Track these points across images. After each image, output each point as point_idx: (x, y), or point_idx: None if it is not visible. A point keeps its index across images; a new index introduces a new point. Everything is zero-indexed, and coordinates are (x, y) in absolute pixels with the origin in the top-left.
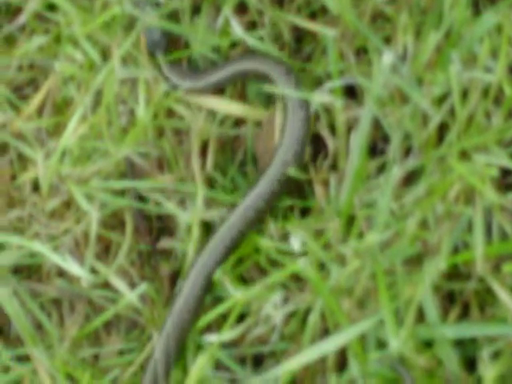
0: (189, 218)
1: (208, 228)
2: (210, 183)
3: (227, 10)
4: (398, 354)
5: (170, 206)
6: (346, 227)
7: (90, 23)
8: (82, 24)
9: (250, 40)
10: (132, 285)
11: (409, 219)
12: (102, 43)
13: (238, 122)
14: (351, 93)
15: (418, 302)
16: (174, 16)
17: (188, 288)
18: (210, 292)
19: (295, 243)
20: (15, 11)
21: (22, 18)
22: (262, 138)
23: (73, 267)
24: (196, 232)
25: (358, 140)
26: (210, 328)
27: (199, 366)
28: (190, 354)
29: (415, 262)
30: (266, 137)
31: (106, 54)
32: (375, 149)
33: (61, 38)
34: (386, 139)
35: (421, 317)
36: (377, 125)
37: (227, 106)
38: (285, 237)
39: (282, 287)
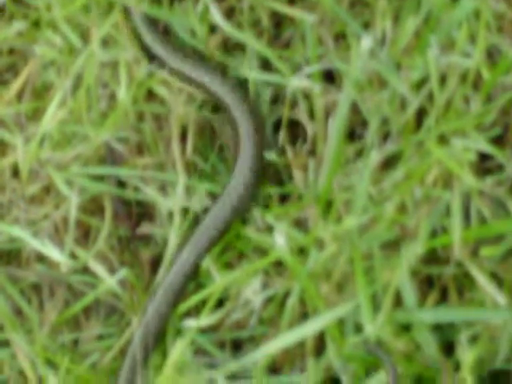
0: (170, 205)
1: (187, 213)
2: (190, 168)
3: None
4: (375, 338)
5: (151, 193)
6: (324, 212)
7: (68, 6)
8: (61, 7)
9: (228, 28)
10: (112, 270)
11: (387, 203)
12: (82, 27)
13: (217, 107)
14: (330, 78)
15: (395, 287)
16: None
17: (170, 277)
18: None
19: (279, 237)
20: None
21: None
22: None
23: (52, 252)
24: (177, 219)
25: (337, 124)
26: (189, 313)
27: (178, 350)
28: (170, 338)
29: (393, 246)
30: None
31: (85, 38)
32: (353, 134)
33: (40, 23)
34: (364, 124)
35: (399, 301)
36: (355, 110)
37: None
38: (266, 223)
39: (262, 272)
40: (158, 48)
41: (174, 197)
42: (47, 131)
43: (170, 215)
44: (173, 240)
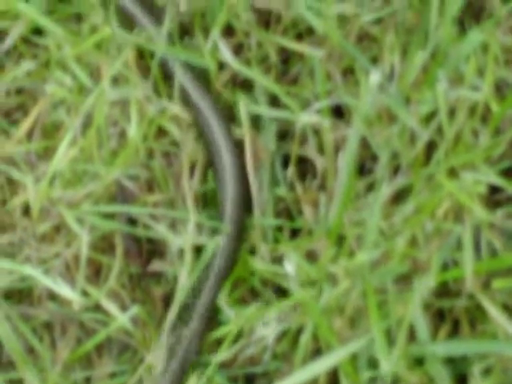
0: (180, 242)
1: (198, 251)
2: (199, 202)
3: (216, 33)
4: (391, 373)
5: (161, 230)
6: (335, 246)
7: (78, 46)
8: (71, 47)
9: (236, 64)
10: (123, 307)
11: (398, 237)
12: (92, 66)
13: None
14: (339, 113)
15: (408, 321)
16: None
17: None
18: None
19: (289, 266)
20: (1, 35)
21: (8, 42)
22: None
23: (64, 290)
24: (188, 257)
25: (346, 159)
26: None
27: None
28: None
29: (405, 279)
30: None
31: (95, 76)
32: (363, 168)
33: (49, 63)
34: (374, 158)
35: (412, 335)
36: (365, 144)
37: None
38: (276, 257)
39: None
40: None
41: (185, 234)
42: (58, 170)
43: (181, 252)
44: (184, 277)
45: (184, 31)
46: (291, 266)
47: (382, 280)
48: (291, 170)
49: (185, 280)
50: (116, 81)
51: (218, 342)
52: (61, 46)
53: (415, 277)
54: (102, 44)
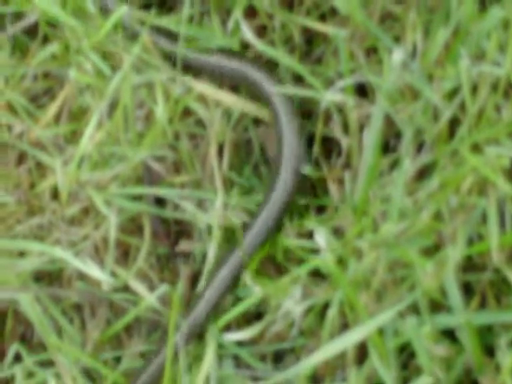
0: (208, 220)
1: (226, 229)
2: (226, 185)
3: (237, 14)
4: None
5: (189, 210)
6: (361, 223)
7: (94, 36)
8: (87, 38)
9: (260, 45)
10: (152, 288)
11: (423, 211)
12: (112, 53)
13: (252, 123)
14: (362, 92)
15: (438, 291)
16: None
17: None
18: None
19: (320, 240)
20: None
21: (28, 21)
22: (271, 138)
23: (94, 271)
24: (216, 234)
25: (371, 136)
26: (229, 327)
27: (208, 359)
28: (211, 353)
29: (431, 254)
30: (274, 138)
31: (117, 62)
32: (387, 146)
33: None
34: (397, 136)
35: (436, 307)
36: (388, 122)
37: (243, 105)
38: (302, 234)
39: (301, 283)
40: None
41: (213, 212)
42: (85, 153)
43: (208, 231)
44: (211, 255)
45: (205, 14)
46: (322, 239)
47: (408, 253)
48: (316, 149)
49: (213, 257)
50: (137, 65)
51: (247, 321)
52: (78, 37)
53: (441, 251)
54: (118, 29)
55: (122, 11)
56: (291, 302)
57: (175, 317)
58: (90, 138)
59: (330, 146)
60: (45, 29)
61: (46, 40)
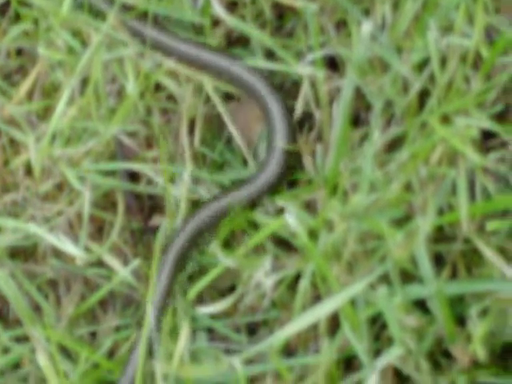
0: (178, 193)
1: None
2: (199, 160)
3: None
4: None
5: (160, 183)
6: (332, 194)
7: (60, 13)
8: (53, 15)
9: (231, 20)
10: (126, 263)
11: (393, 183)
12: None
13: (224, 97)
14: (332, 66)
15: (409, 261)
16: None
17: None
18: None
19: (290, 218)
20: None
21: None
22: (243, 111)
23: (68, 247)
24: (183, 207)
25: (341, 108)
26: (202, 301)
27: (184, 334)
28: (184, 327)
29: (400, 226)
30: (246, 111)
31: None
32: (358, 119)
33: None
34: (368, 109)
35: (407, 278)
36: (359, 95)
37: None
38: (276, 209)
39: (272, 255)
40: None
41: (181, 185)
42: (58, 129)
43: (178, 205)
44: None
45: None
46: (292, 218)
47: (378, 224)
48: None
49: None
50: (106, 42)
51: (220, 294)
52: (46, 15)
53: (411, 221)
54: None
55: None
56: (262, 273)
57: (152, 292)
58: (62, 114)
59: (302, 119)
60: (15, 6)
61: (17, 17)
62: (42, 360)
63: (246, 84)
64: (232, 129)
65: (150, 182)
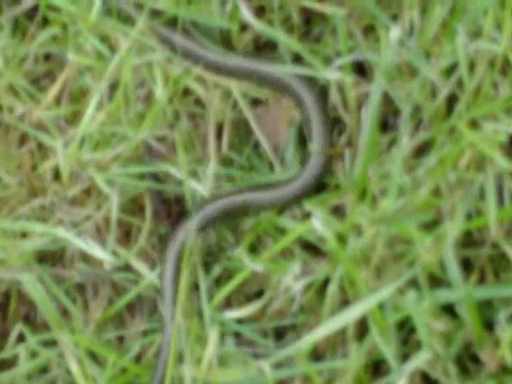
0: (204, 191)
1: None
2: (227, 164)
3: None
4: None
5: (189, 183)
6: (360, 200)
7: (89, 19)
8: (82, 20)
9: (259, 25)
10: (153, 268)
11: (422, 187)
12: (109, 36)
13: (252, 102)
14: (360, 72)
15: (437, 265)
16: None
17: None
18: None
19: (317, 223)
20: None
21: (27, 4)
22: (270, 116)
23: (96, 251)
24: None
25: (370, 113)
26: (230, 305)
27: (214, 339)
28: (211, 332)
29: (429, 230)
30: (273, 116)
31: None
32: (386, 124)
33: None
34: (396, 114)
35: (435, 283)
36: (387, 101)
37: (242, 85)
38: (303, 214)
39: (300, 260)
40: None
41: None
42: (86, 133)
43: None
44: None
45: None
46: (319, 222)
47: (407, 228)
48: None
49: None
50: (134, 47)
51: (248, 299)
52: (74, 20)
53: (440, 226)
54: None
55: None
56: (291, 277)
57: (182, 295)
58: (91, 117)
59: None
60: (44, 11)
61: (45, 22)
62: (73, 365)
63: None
64: (258, 134)
65: (177, 184)
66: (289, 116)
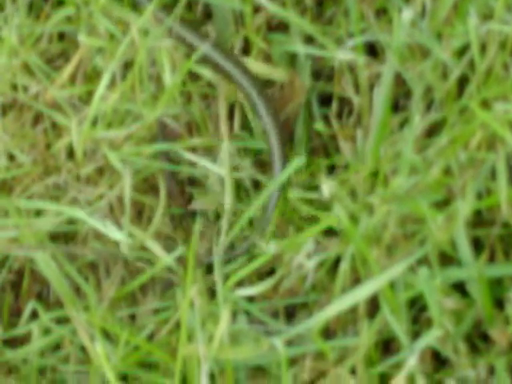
0: (220, 171)
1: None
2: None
3: None
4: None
5: (203, 161)
6: (372, 180)
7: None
8: (95, 2)
9: (272, 6)
10: (165, 246)
11: (433, 167)
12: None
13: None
14: (372, 53)
15: (449, 244)
16: None
17: None
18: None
19: (325, 190)
20: None
21: None
22: (284, 98)
23: (112, 232)
24: (228, 183)
25: (382, 92)
26: (241, 283)
27: (225, 317)
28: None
29: (440, 209)
30: (287, 97)
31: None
32: (397, 106)
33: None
34: (407, 96)
35: (445, 261)
36: (398, 82)
37: (254, 67)
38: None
39: (312, 239)
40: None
41: (222, 162)
42: (100, 112)
43: (221, 183)
44: (228, 203)
45: None
46: (327, 189)
47: (418, 206)
48: (334, 106)
49: (228, 210)
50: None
51: (259, 277)
52: (87, 1)
53: (451, 205)
54: None
55: None
56: (303, 256)
57: (191, 274)
58: (104, 97)
59: (340, 105)
60: None
61: (59, 2)
62: (86, 342)
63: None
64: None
65: (191, 165)
66: (300, 97)
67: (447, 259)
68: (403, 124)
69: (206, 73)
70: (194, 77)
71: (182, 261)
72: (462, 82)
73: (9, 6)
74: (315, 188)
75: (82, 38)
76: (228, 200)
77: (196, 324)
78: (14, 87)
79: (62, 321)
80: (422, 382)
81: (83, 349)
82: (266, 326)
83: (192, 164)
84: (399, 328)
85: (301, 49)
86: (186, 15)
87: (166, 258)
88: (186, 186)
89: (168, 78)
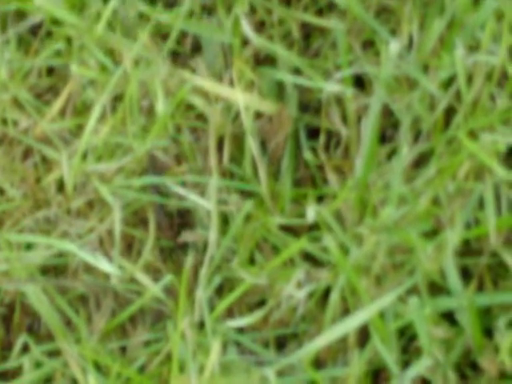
0: (208, 205)
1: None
2: (227, 176)
3: (238, 10)
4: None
5: (191, 196)
6: (360, 210)
7: (94, 31)
8: (88, 33)
9: (259, 40)
10: (156, 279)
11: (421, 197)
12: (112, 49)
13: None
14: (360, 86)
15: (438, 273)
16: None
17: None
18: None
19: (310, 214)
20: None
21: (32, 20)
22: (273, 130)
23: (103, 264)
24: (215, 219)
25: (370, 123)
26: (231, 314)
27: (216, 349)
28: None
29: (429, 239)
30: (275, 129)
31: (116, 58)
32: (384, 136)
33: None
34: (394, 127)
35: (435, 290)
36: (385, 113)
37: (244, 98)
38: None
39: (302, 270)
40: None
41: (210, 196)
42: (91, 145)
43: (208, 217)
44: (213, 239)
45: (206, 11)
46: (312, 213)
47: (407, 237)
48: (321, 138)
49: (214, 242)
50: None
51: (249, 308)
52: (80, 33)
53: (439, 235)
54: (116, 25)
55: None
56: (293, 286)
57: (183, 305)
58: (94, 130)
59: (328, 137)
60: (49, 26)
61: (48, 36)
62: (77, 374)
63: None
64: (253, 148)
65: (180, 197)
66: (287, 128)
67: (436, 288)
68: (391, 155)
69: (200, 103)
70: (184, 107)
71: (171, 292)
72: (449, 112)
73: None
74: (303, 216)
75: (74, 68)
76: (213, 235)
77: (188, 355)
78: (4, 122)
79: (54, 354)
80: None
81: (75, 381)
82: (257, 356)
83: (181, 196)
84: (389, 357)
85: (288, 78)
86: (175, 48)
87: (154, 288)
88: (175, 218)
89: (161, 106)
